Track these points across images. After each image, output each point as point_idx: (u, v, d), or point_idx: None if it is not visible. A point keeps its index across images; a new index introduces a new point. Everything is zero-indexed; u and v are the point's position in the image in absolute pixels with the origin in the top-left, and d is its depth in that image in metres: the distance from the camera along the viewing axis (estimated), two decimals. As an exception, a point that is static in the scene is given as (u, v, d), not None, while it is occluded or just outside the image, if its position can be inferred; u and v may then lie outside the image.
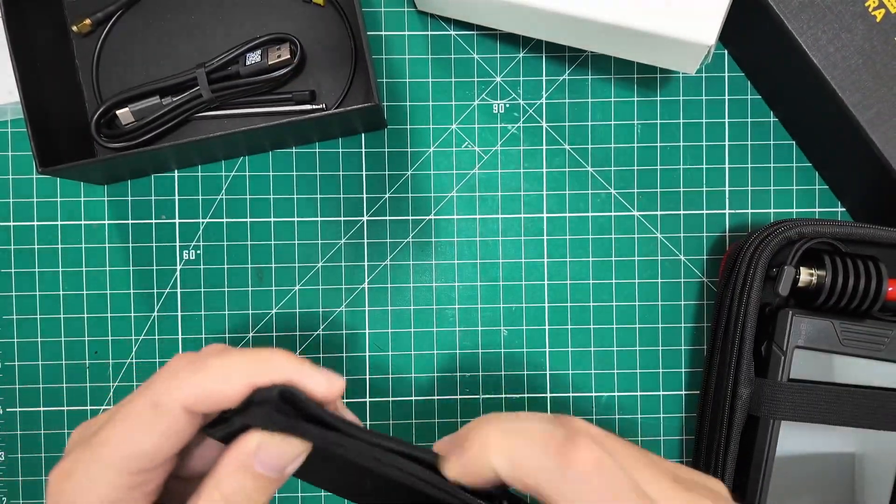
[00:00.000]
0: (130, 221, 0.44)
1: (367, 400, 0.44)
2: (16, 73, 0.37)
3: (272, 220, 0.44)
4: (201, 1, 0.43)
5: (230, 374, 0.24)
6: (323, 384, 0.24)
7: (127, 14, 0.43)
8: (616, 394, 0.44)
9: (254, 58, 0.41)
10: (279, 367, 0.24)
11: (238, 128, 0.37)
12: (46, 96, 0.39)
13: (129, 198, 0.44)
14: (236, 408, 0.24)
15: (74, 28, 0.42)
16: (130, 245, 0.44)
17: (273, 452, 0.23)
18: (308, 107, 0.42)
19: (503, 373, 0.44)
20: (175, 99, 0.41)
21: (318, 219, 0.44)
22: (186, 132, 0.43)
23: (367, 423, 0.44)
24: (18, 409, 0.44)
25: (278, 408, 0.23)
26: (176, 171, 0.43)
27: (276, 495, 0.43)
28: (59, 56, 0.42)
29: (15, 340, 0.43)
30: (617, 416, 0.44)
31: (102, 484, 0.23)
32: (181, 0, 0.43)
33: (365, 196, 0.44)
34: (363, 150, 0.44)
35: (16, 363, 0.43)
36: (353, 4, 0.39)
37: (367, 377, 0.44)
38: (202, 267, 0.44)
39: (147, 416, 0.24)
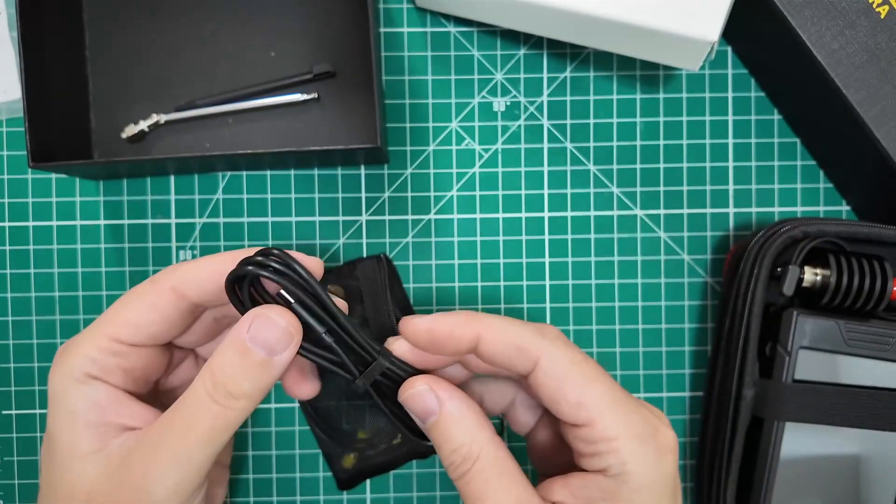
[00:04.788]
0: (126, 222, 0.43)
1: (367, 401, 0.43)
2: (21, 61, 0.36)
3: (269, 220, 0.43)
4: (216, 10, 0.42)
5: (204, 263, 0.29)
6: (305, 260, 0.28)
7: (138, 15, 0.42)
8: (618, 395, 0.43)
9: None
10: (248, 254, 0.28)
11: (238, 149, 0.37)
12: (49, 90, 0.38)
13: (125, 198, 0.43)
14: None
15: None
16: (126, 246, 0.43)
17: (263, 326, 0.26)
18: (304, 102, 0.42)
19: (504, 374, 0.43)
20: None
21: (317, 218, 0.43)
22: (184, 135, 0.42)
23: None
24: (14, 412, 0.43)
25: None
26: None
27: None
28: (69, 50, 0.41)
29: (10, 342, 0.43)
30: (619, 418, 0.43)
31: (88, 345, 0.29)
32: (196, 6, 0.42)
33: (364, 195, 0.43)
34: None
35: (11, 365, 0.43)
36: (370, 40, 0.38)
37: (367, 378, 0.43)
38: (199, 267, 0.43)
39: (140, 290, 0.29)
